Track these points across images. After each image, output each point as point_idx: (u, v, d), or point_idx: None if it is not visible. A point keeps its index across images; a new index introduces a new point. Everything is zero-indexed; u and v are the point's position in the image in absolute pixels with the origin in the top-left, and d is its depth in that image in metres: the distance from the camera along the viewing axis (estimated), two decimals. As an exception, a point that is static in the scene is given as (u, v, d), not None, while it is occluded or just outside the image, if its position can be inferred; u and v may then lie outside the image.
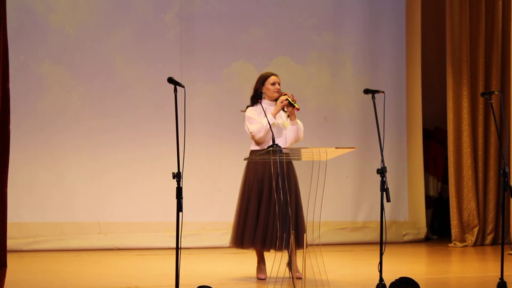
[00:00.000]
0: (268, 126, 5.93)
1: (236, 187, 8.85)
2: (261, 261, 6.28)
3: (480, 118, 9.31)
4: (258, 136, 6.05)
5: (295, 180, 6.16)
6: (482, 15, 9.31)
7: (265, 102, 6.23)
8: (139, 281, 6.13)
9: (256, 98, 6.23)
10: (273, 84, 6.22)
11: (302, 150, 5.90)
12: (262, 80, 6.26)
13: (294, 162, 6.17)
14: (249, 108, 6.21)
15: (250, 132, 6.13)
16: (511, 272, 6.54)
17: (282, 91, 6.20)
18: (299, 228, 6.04)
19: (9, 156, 4.88)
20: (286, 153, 5.69)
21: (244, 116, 6.23)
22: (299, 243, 5.95)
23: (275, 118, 6.06)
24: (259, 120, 6.04)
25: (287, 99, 6.03)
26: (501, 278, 5.51)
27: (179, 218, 4.47)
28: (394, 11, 9.73)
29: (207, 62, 9.01)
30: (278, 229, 5.86)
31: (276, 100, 6.19)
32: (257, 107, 6.19)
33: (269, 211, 6.04)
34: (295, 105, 6.04)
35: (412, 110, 9.81)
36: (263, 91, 6.25)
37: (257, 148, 6.16)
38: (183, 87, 4.78)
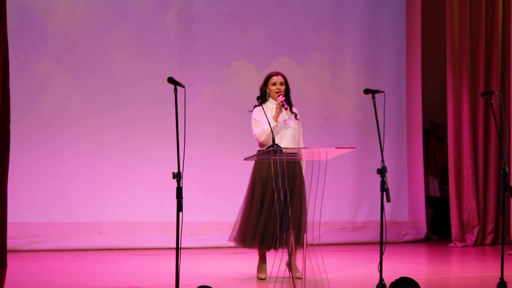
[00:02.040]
0: (269, 129, 5.95)
1: (236, 187, 8.92)
2: (262, 260, 6.28)
3: (480, 118, 9.31)
4: (261, 139, 6.10)
5: (300, 180, 6.15)
6: (482, 15, 9.31)
7: (271, 102, 6.26)
8: (139, 281, 6.13)
9: (261, 99, 6.25)
10: (274, 84, 6.23)
11: (302, 150, 5.90)
12: (265, 80, 6.32)
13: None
14: (255, 109, 6.21)
15: (254, 135, 6.16)
16: (511, 272, 6.54)
17: (280, 93, 6.21)
18: (302, 227, 6.04)
19: (9, 156, 4.88)
20: (287, 153, 5.70)
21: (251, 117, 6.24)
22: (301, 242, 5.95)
23: (276, 121, 6.07)
24: (263, 122, 6.05)
25: (280, 102, 6.05)
26: (501, 278, 5.51)
27: (179, 218, 4.47)
28: (394, 11, 9.73)
29: (207, 62, 9.01)
30: (281, 229, 5.87)
31: None
32: (262, 108, 6.21)
33: (274, 210, 6.03)
34: (284, 105, 6.06)
35: (412, 110, 9.81)
36: (267, 91, 6.27)
37: (262, 149, 6.17)
38: (183, 87, 4.78)
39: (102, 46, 8.71)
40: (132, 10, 8.82)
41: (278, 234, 5.87)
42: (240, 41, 9.16)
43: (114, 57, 8.75)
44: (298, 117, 6.32)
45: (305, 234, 5.78)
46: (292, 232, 5.71)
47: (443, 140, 10.41)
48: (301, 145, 6.31)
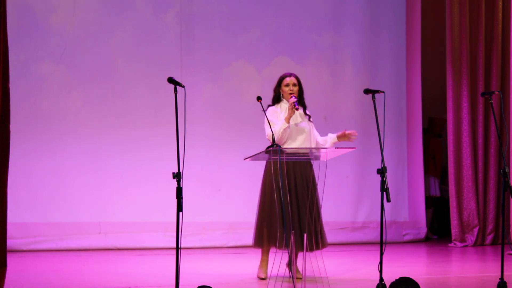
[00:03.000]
0: (281, 131, 5.95)
1: (236, 187, 8.94)
2: (264, 260, 6.26)
3: (480, 118, 9.31)
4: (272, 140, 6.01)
5: (313, 181, 6.14)
6: (482, 15, 9.31)
7: (285, 102, 6.23)
8: (139, 281, 6.13)
9: (275, 98, 6.27)
10: (287, 85, 6.22)
11: (302, 150, 5.90)
12: (279, 81, 6.30)
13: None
14: (269, 109, 6.18)
15: (266, 135, 6.11)
16: (511, 272, 6.54)
17: (293, 94, 6.18)
18: (317, 229, 6.03)
19: (9, 156, 4.88)
20: (287, 154, 5.70)
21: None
22: (317, 245, 5.94)
23: (288, 122, 6.05)
24: (276, 122, 6.03)
25: (292, 103, 6.02)
26: (501, 278, 5.51)
27: (179, 218, 4.47)
28: (394, 11, 9.73)
29: (207, 62, 9.02)
30: (306, 230, 5.88)
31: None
32: (277, 108, 6.20)
33: (294, 211, 6.00)
34: (295, 106, 6.03)
35: (412, 110, 9.81)
36: (281, 92, 6.26)
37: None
38: (183, 87, 4.78)
39: (102, 46, 8.71)
40: (132, 10, 8.82)
41: (306, 235, 5.84)
42: (240, 41, 9.16)
43: (114, 57, 8.75)
44: (311, 119, 6.30)
45: (305, 234, 5.79)
46: (305, 235, 5.71)
47: (441, 135, 10.42)
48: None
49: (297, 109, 6.04)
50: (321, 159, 5.76)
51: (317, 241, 5.97)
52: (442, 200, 10.53)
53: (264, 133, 6.11)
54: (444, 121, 10.08)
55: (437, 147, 10.40)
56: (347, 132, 6.18)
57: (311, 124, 6.28)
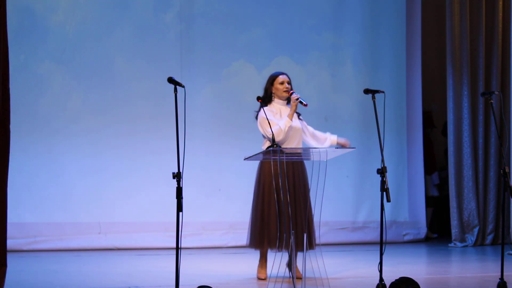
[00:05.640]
0: (287, 128, 5.93)
1: (236, 187, 8.94)
2: (263, 260, 6.26)
3: (481, 118, 9.32)
4: (278, 138, 5.91)
5: (308, 180, 6.14)
6: (482, 15, 9.31)
7: (276, 102, 6.21)
8: (139, 281, 6.13)
9: (266, 99, 6.19)
10: (282, 83, 6.17)
11: (302, 150, 5.90)
12: (271, 80, 6.21)
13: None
14: (265, 109, 6.11)
15: (269, 135, 6.00)
16: (511, 272, 6.54)
17: (290, 91, 6.16)
18: (310, 228, 6.04)
19: (9, 156, 4.88)
20: (287, 153, 5.69)
21: (257, 118, 6.13)
22: (311, 244, 5.95)
23: (291, 119, 6.01)
24: (277, 121, 5.99)
25: (297, 99, 5.99)
26: (501, 278, 5.52)
27: (179, 218, 4.47)
28: (394, 11, 9.73)
29: (207, 62, 9.02)
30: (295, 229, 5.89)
31: (286, 99, 6.18)
32: (271, 108, 6.15)
33: (292, 211, 6.00)
34: (302, 102, 5.98)
35: (412, 110, 9.81)
36: (273, 91, 6.20)
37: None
38: (183, 87, 4.78)
39: (102, 46, 8.71)
40: (132, 10, 8.82)
41: (306, 235, 5.85)
42: (240, 41, 9.16)
43: (114, 57, 8.75)
44: (301, 117, 6.28)
45: (305, 234, 5.79)
46: (304, 235, 5.72)
47: (435, 126, 10.43)
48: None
49: (305, 105, 5.96)
50: (320, 159, 5.76)
51: (313, 241, 5.98)
52: (442, 199, 10.50)
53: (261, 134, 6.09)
54: (429, 113, 10.12)
55: (427, 144, 10.35)
56: (348, 144, 6.17)
57: (303, 122, 6.24)
